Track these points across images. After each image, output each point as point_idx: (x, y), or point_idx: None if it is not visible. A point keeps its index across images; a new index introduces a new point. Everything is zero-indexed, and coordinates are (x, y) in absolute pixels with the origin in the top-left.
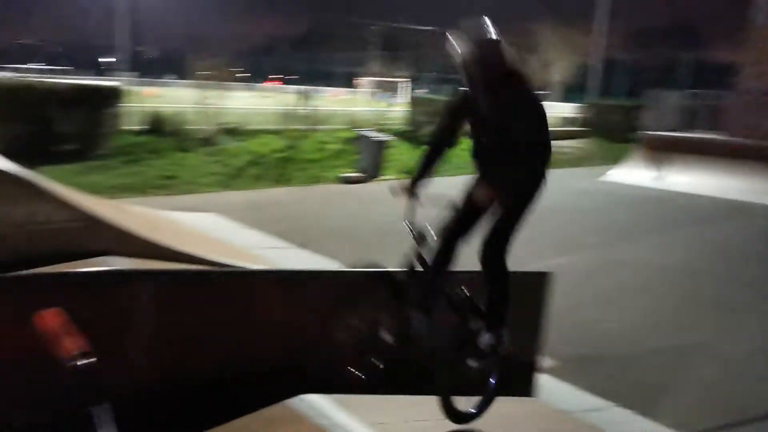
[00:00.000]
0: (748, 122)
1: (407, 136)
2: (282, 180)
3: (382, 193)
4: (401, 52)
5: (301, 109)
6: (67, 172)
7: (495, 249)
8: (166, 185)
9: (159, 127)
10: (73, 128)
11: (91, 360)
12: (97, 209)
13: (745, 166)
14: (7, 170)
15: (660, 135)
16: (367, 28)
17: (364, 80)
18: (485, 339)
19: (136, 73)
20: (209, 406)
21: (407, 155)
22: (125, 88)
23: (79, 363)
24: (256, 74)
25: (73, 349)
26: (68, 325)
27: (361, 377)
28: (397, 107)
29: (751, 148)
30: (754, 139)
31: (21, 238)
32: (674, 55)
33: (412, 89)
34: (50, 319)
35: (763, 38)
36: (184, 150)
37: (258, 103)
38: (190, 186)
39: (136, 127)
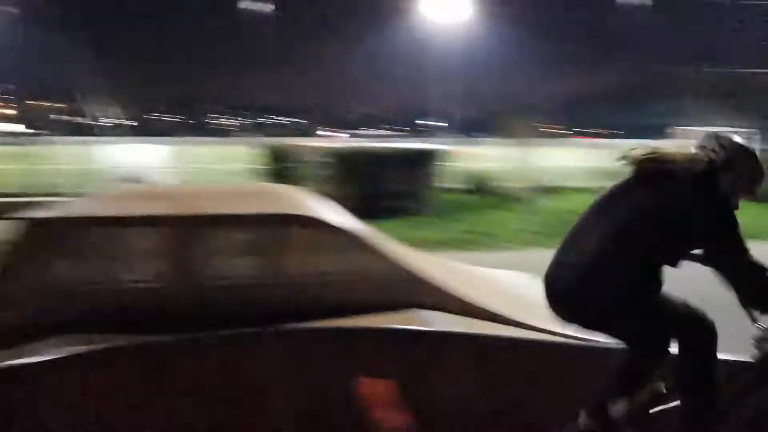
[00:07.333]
0: None
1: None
2: None
3: None
4: (733, 99)
5: (612, 164)
6: (392, 226)
7: None
8: (476, 241)
9: (474, 185)
10: (398, 187)
11: None
12: (414, 261)
13: None
14: (335, 222)
15: None
16: (692, 75)
17: (685, 130)
18: None
19: (454, 134)
20: None
21: (743, 216)
22: (441, 148)
23: None
24: (575, 128)
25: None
26: (392, 396)
27: None
28: None
29: None
30: None
31: (339, 286)
32: None
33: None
34: (377, 387)
35: None
36: (495, 207)
37: (569, 159)
38: (500, 242)
39: (452, 185)
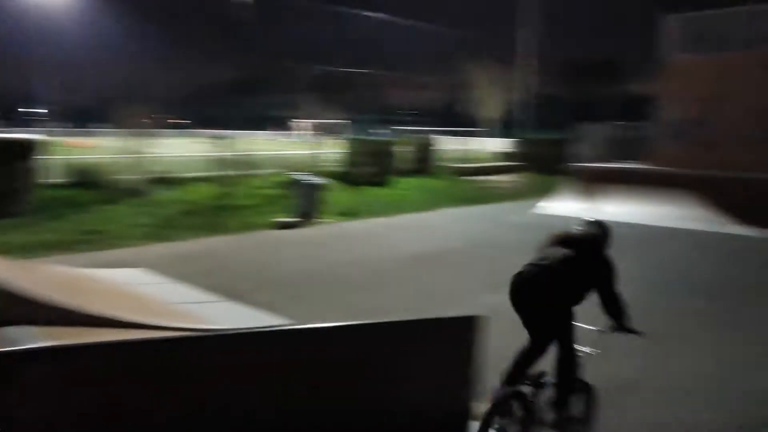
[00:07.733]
0: (668, 152)
1: (343, 177)
2: (215, 229)
3: (318, 237)
4: (338, 95)
5: (234, 155)
6: None
7: None
8: (90, 240)
9: (84, 179)
10: None
11: None
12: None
13: (668, 193)
14: None
15: (589, 166)
16: (304, 72)
17: (300, 123)
18: None
19: (64, 124)
20: None
21: (343, 197)
22: (46, 139)
23: None
24: (193, 121)
25: None
26: None
27: None
28: (333, 149)
29: (674, 176)
30: (676, 167)
31: None
32: (599, 89)
33: (347, 131)
34: None
35: (676, 71)
36: (111, 202)
37: (189, 150)
38: (117, 240)
39: (59, 181)
